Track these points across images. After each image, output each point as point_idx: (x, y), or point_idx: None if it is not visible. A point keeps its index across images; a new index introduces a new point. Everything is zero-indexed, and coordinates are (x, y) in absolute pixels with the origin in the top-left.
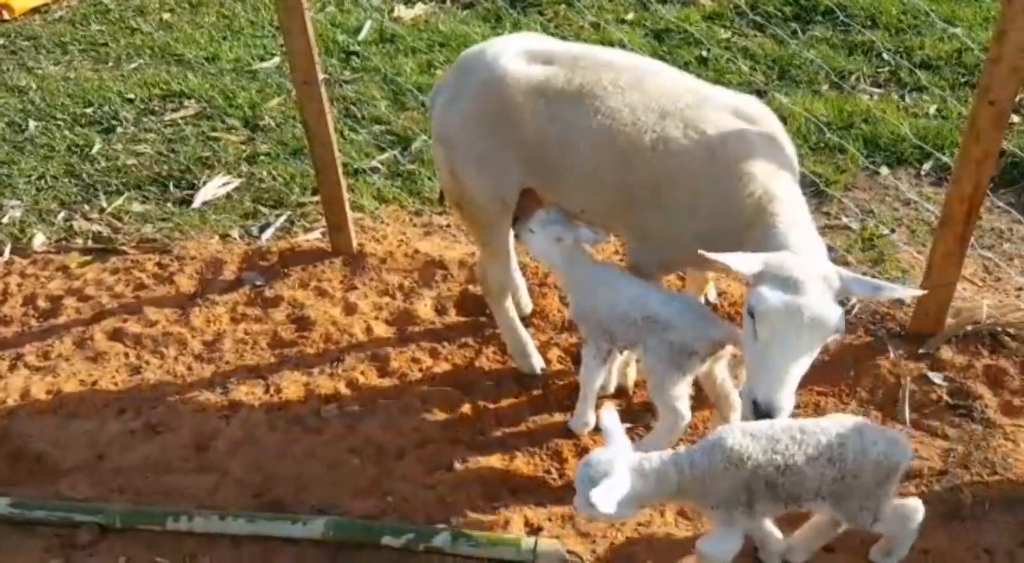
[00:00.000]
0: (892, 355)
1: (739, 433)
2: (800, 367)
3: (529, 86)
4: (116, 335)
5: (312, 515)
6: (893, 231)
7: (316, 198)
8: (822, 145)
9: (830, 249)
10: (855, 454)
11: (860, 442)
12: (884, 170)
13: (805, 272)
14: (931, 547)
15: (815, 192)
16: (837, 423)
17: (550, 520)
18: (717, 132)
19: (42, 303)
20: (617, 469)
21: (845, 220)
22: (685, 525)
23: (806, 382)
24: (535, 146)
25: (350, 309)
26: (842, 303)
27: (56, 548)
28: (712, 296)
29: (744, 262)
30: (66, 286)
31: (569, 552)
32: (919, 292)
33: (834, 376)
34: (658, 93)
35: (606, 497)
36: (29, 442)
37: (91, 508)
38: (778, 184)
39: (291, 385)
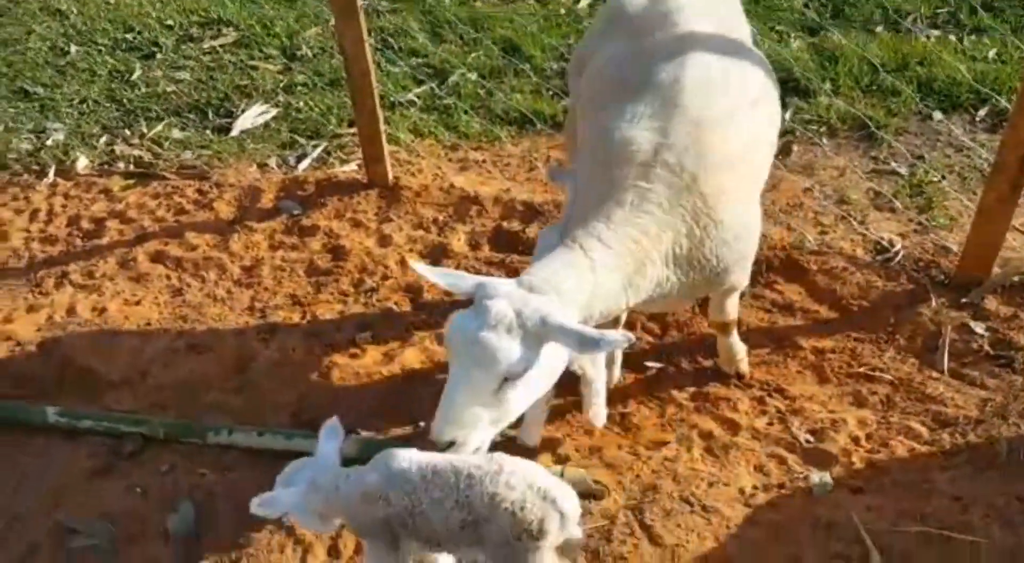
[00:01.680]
0: (934, 303)
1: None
2: (469, 400)
3: None
4: (158, 257)
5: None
6: (943, 178)
7: (352, 130)
8: (874, 87)
9: (877, 194)
10: (484, 497)
11: (492, 486)
12: (937, 114)
13: (499, 304)
14: (964, 494)
15: (865, 135)
16: (483, 463)
17: (577, 451)
18: None
19: (86, 224)
20: (296, 480)
21: (894, 165)
22: (711, 461)
23: (843, 328)
24: None
25: (384, 241)
26: (885, 249)
27: (101, 456)
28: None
29: (456, 280)
30: (109, 208)
31: (595, 482)
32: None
33: (873, 322)
34: None
35: (262, 506)
36: (75, 356)
37: (135, 420)
38: None
39: (327, 312)
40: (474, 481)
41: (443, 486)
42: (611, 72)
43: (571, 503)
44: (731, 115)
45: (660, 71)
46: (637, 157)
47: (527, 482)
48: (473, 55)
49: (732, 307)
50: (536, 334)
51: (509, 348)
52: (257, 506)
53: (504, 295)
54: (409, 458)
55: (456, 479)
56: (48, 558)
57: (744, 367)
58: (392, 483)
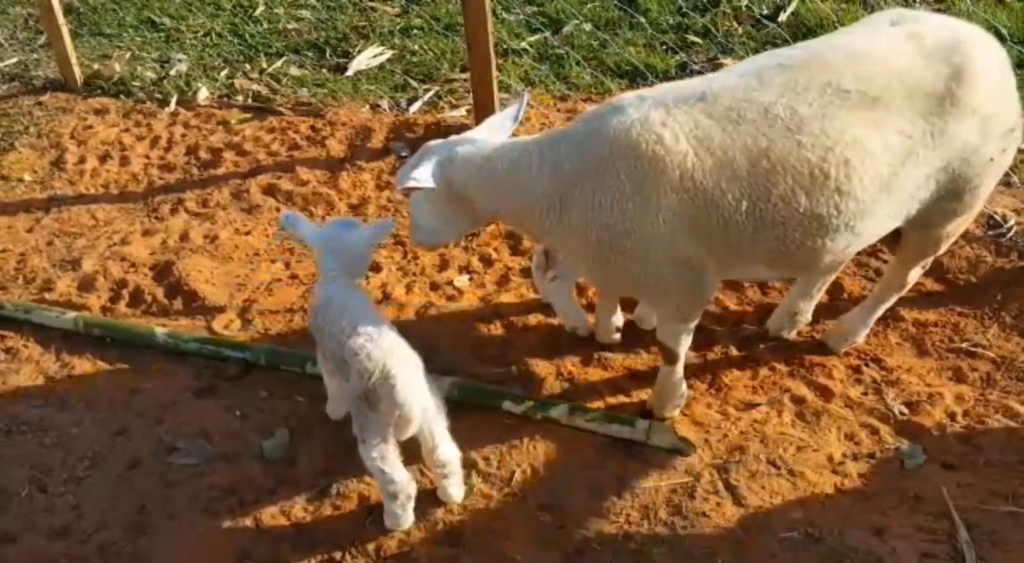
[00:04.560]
0: None
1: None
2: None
3: None
4: (270, 190)
5: (440, 375)
6: None
7: (464, 75)
8: None
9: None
10: (349, 350)
11: (355, 346)
12: None
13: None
14: None
15: None
16: (370, 329)
17: None
18: None
19: (203, 154)
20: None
21: None
22: (802, 426)
23: (947, 301)
24: None
25: None
26: (998, 224)
27: (204, 378)
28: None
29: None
30: (226, 140)
31: (681, 438)
32: None
33: (979, 298)
34: None
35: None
36: (186, 281)
37: (238, 345)
38: None
39: (427, 254)
40: (352, 335)
41: (339, 324)
42: None
43: (409, 399)
44: None
45: None
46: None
47: (382, 359)
48: (589, 6)
49: (669, 334)
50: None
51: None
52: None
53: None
54: (342, 294)
55: (347, 327)
56: (149, 472)
57: (666, 413)
58: (327, 306)
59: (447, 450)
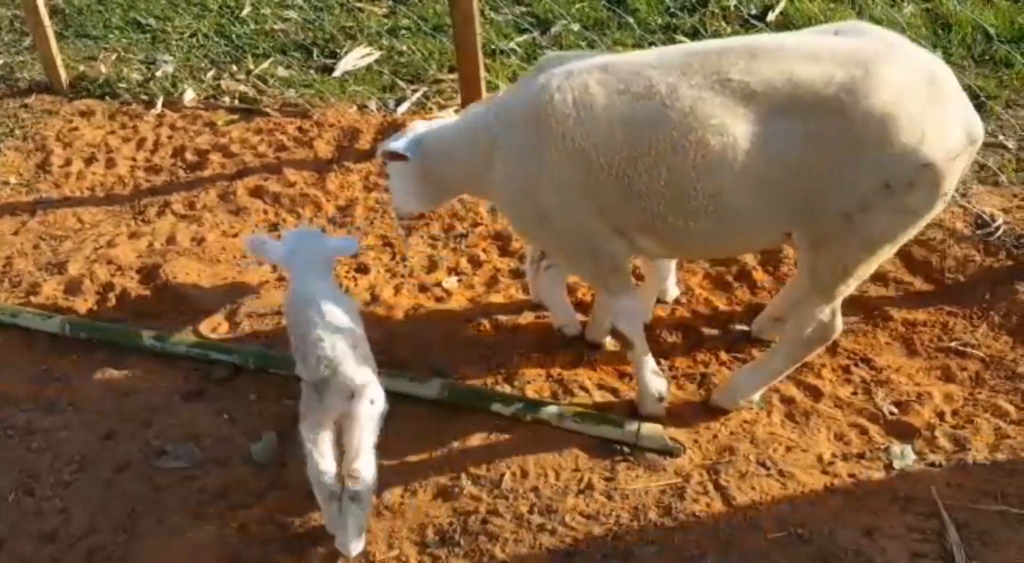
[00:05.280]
0: None
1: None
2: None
3: None
4: (257, 192)
5: (429, 376)
6: None
7: (453, 75)
8: (987, 57)
9: (982, 167)
10: (309, 340)
11: (314, 338)
12: None
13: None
14: None
15: (973, 106)
16: (325, 329)
17: None
18: None
19: (190, 156)
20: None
21: (1001, 138)
22: (791, 426)
23: (936, 301)
24: None
25: None
26: (986, 223)
27: (193, 381)
28: (672, 293)
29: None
30: (212, 141)
31: (671, 439)
32: None
33: (968, 297)
34: None
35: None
36: (173, 284)
37: (227, 348)
38: None
39: (416, 255)
40: (317, 327)
41: (305, 315)
42: None
43: (357, 389)
44: None
45: None
46: None
47: (329, 349)
48: (578, 6)
49: (611, 311)
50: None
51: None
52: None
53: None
54: (312, 288)
55: (316, 319)
56: (137, 475)
57: (648, 409)
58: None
59: (365, 466)
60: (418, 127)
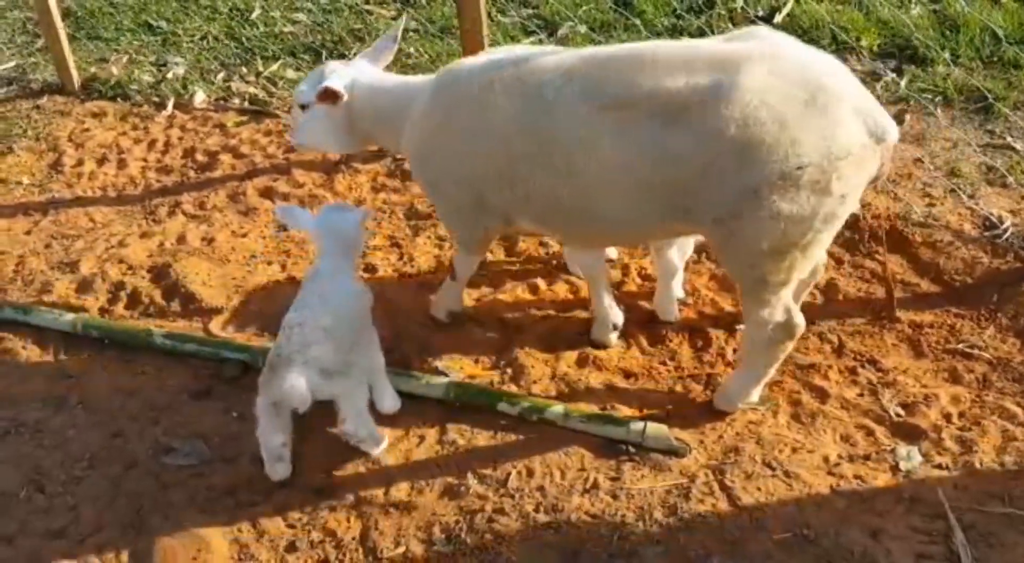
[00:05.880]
0: None
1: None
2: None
3: None
4: (266, 192)
5: (435, 375)
6: None
7: None
8: (995, 58)
9: (989, 169)
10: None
11: (283, 338)
12: None
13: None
14: None
15: (981, 108)
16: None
17: (661, 407)
18: None
19: (200, 157)
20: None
21: (1009, 139)
22: (797, 427)
23: (943, 303)
24: None
25: None
26: (994, 225)
27: (202, 379)
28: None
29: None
30: (222, 143)
31: (677, 439)
32: None
33: (975, 299)
34: None
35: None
36: (183, 283)
37: (237, 346)
38: None
39: (422, 255)
40: (294, 309)
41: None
42: None
43: (289, 394)
44: None
45: None
46: None
47: (296, 346)
48: (584, 8)
49: (457, 257)
50: (314, 82)
51: (303, 85)
52: (279, 208)
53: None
54: (324, 271)
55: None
56: (146, 473)
57: (439, 314)
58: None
59: (350, 427)
60: (337, 69)
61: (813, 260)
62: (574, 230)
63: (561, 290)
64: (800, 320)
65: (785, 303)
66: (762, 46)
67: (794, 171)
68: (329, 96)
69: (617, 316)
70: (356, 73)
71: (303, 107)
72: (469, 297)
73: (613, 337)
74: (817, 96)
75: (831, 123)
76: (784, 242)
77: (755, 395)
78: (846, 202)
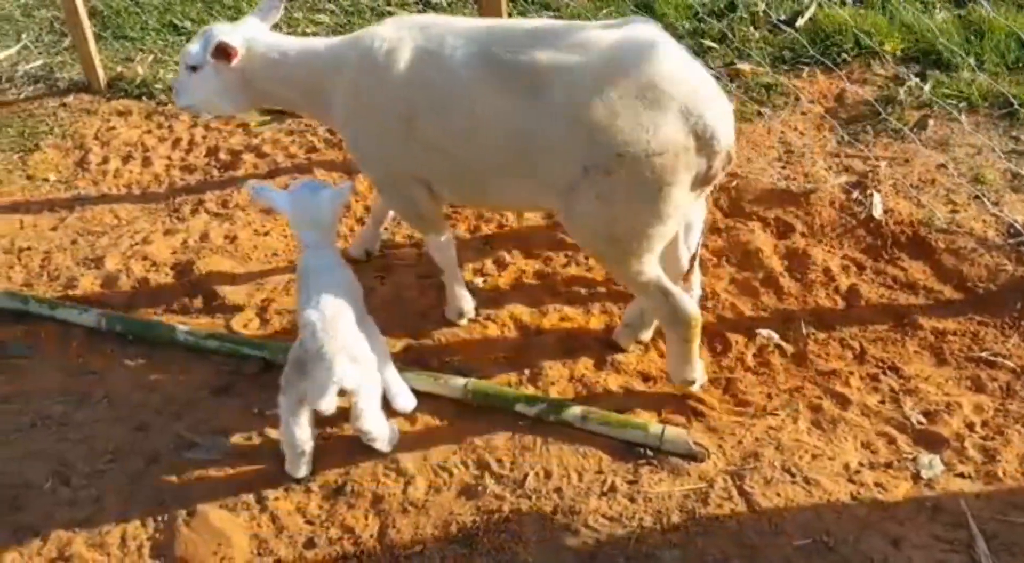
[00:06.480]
0: None
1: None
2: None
3: None
4: None
5: (453, 375)
6: None
7: None
8: (1021, 64)
9: (1014, 176)
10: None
11: (306, 333)
12: None
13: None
14: None
15: (1006, 114)
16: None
17: (679, 412)
18: None
19: (223, 155)
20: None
21: None
22: (817, 434)
23: (966, 310)
24: None
25: None
26: (1018, 232)
27: (223, 375)
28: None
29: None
30: (245, 142)
31: (696, 444)
32: None
33: (998, 307)
34: None
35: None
36: (206, 280)
37: (257, 343)
38: None
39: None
40: (307, 307)
41: (304, 293)
42: None
43: (328, 388)
44: None
45: None
46: None
47: (323, 341)
48: (605, 11)
49: (429, 248)
50: (205, 42)
51: (192, 46)
52: (252, 188)
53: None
54: (314, 263)
55: (311, 296)
56: (167, 467)
57: (452, 317)
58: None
59: (366, 425)
60: (226, 30)
61: (649, 250)
62: (467, 192)
63: (580, 292)
64: (687, 305)
65: (663, 288)
66: (624, 36)
67: (615, 157)
68: (224, 53)
69: (468, 303)
70: (250, 32)
71: (194, 68)
72: (486, 297)
73: (463, 322)
74: (647, 93)
75: (655, 119)
76: (613, 225)
77: (697, 374)
78: (667, 197)
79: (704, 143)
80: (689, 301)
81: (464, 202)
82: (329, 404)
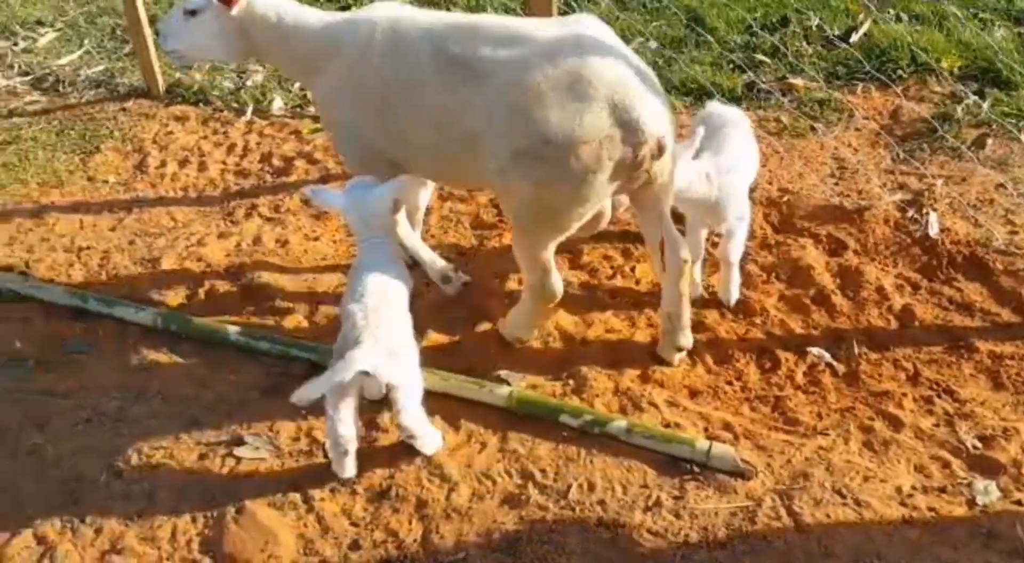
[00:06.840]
0: None
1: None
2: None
3: None
4: None
5: (499, 384)
6: None
7: None
8: None
9: None
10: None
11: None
12: None
13: None
14: None
15: None
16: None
17: (727, 429)
18: None
19: (276, 161)
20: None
21: None
22: (869, 455)
23: None
24: None
25: None
26: None
27: (273, 376)
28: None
29: None
30: (298, 149)
31: (743, 461)
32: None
33: None
34: None
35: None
36: (258, 281)
37: (307, 346)
38: None
39: (486, 264)
40: (351, 301)
41: (353, 287)
42: None
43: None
44: None
45: None
46: None
47: (361, 332)
48: (655, 23)
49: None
50: None
51: None
52: (310, 190)
53: None
54: (367, 260)
55: (354, 290)
56: (218, 464)
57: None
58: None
59: (407, 419)
60: None
61: (565, 229)
62: (428, 172)
63: (625, 304)
64: (554, 287)
65: (544, 264)
66: (565, 32)
67: (543, 143)
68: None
69: (445, 265)
70: None
71: (192, 13)
72: None
73: (449, 290)
74: (575, 85)
75: (580, 109)
76: (538, 204)
77: (531, 334)
78: (591, 182)
79: (629, 133)
80: (559, 282)
81: (429, 179)
82: (346, 376)
